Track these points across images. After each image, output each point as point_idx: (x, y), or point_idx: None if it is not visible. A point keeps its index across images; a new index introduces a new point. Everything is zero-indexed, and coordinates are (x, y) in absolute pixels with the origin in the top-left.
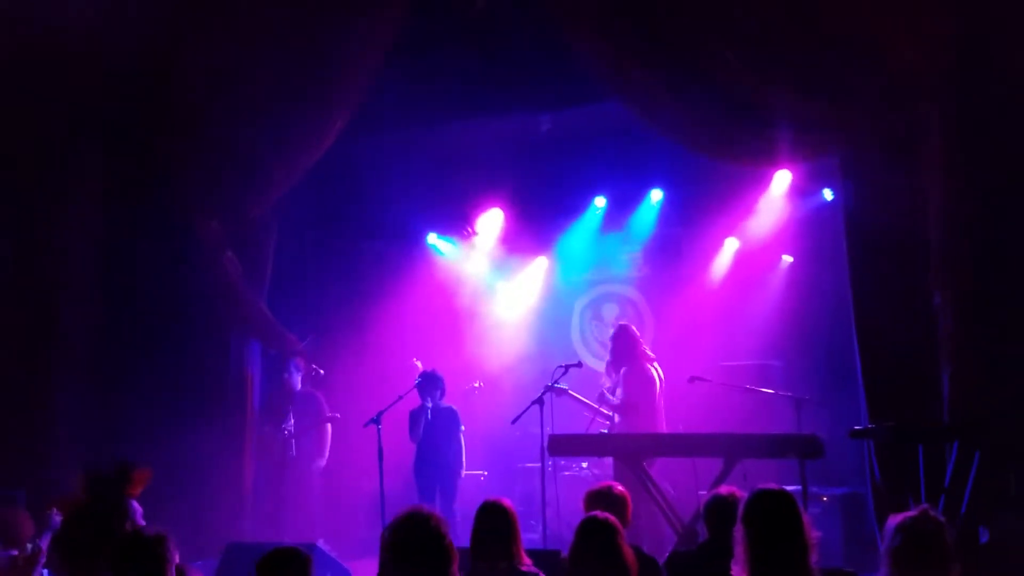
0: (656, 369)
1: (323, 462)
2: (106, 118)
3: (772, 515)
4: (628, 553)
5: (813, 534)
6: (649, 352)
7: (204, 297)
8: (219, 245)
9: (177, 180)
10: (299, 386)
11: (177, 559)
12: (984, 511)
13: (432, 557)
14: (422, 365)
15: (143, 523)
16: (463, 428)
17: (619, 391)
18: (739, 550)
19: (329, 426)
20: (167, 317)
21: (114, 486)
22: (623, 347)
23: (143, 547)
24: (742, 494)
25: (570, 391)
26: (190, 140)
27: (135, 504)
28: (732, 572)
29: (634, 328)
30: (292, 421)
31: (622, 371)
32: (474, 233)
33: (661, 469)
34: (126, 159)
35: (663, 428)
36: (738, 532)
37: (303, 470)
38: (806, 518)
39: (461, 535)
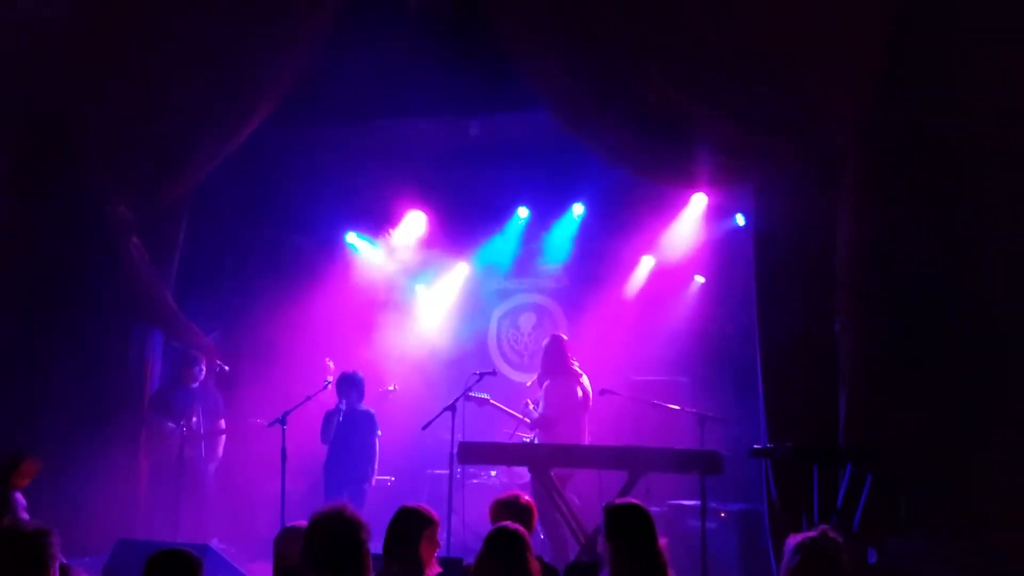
0: (583, 384)
1: (214, 465)
2: (17, 97)
3: (629, 529)
4: (534, 565)
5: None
6: (577, 367)
7: (106, 283)
8: (125, 230)
9: (86, 160)
10: (198, 381)
11: (59, 555)
12: (873, 533)
13: (350, 560)
14: (334, 365)
15: (26, 516)
16: (379, 434)
17: (540, 404)
18: (609, 563)
19: (224, 426)
20: (66, 301)
21: None
22: (550, 359)
23: (22, 542)
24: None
25: (492, 400)
26: (103, 120)
27: (19, 496)
28: None
29: (565, 339)
30: (196, 419)
31: (544, 385)
32: (390, 231)
33: (567, 480)
34: (36, 137)
35: (584, 443)
36: (603, 546)
37: (201, 470)
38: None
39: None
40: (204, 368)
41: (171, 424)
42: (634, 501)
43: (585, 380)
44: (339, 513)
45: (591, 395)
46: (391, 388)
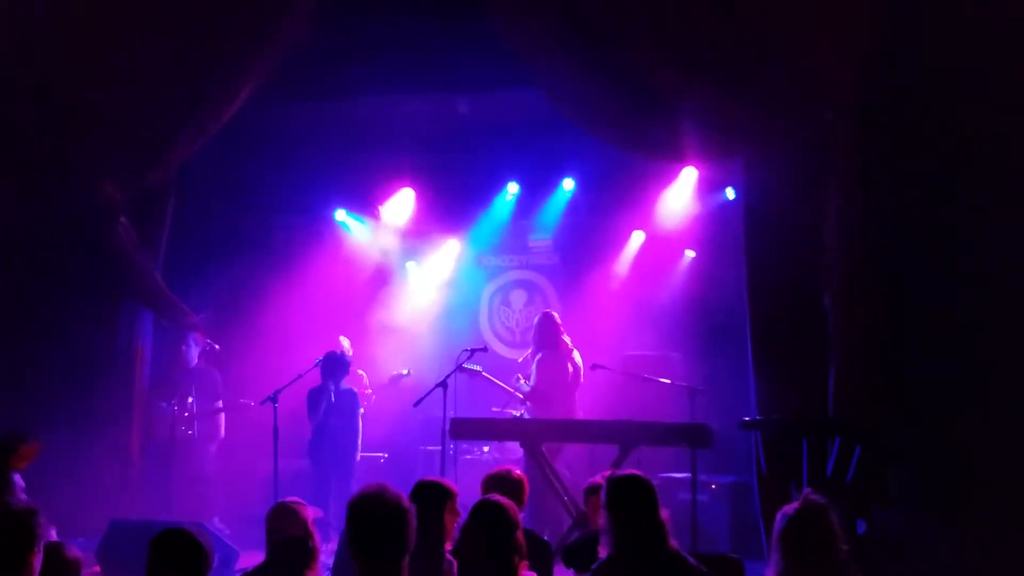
0: (574, 360)
1: (215, 445)
2: (4, 73)
3: (632, 499)
4: (519, 537)
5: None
6: (568, 342)
7: (94, 263)
8: (113, 209)
9: (72, 138)
10: (195, 362)
11: (54, 535)
12: (862, 503)
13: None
14: (349, 343)
15: (25, 497)
16: (362, 411)
17: (533, 378)
18: (604, 535)
19: (221, 405)
20: (53, 282)
21: None
22: (543, 335)
23: (10, 520)
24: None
25: (484, 372)
26: (86, 100)
27: (17, 478)
28: (599, 554)
29: (556, 316)
30: (191, 400)
31: (536, 358)
32: (379, 209)
33: (556, 453)
34: (19, 117)
35: (577, 417)
36: (602, 517)
37: (197, 450)
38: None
39: None
40: (196, 347)
41: (164, 404)
42: (636, 472)
43: (576, 356)
44: (381, 493)
45: (582, 371)
46: (405, 372)
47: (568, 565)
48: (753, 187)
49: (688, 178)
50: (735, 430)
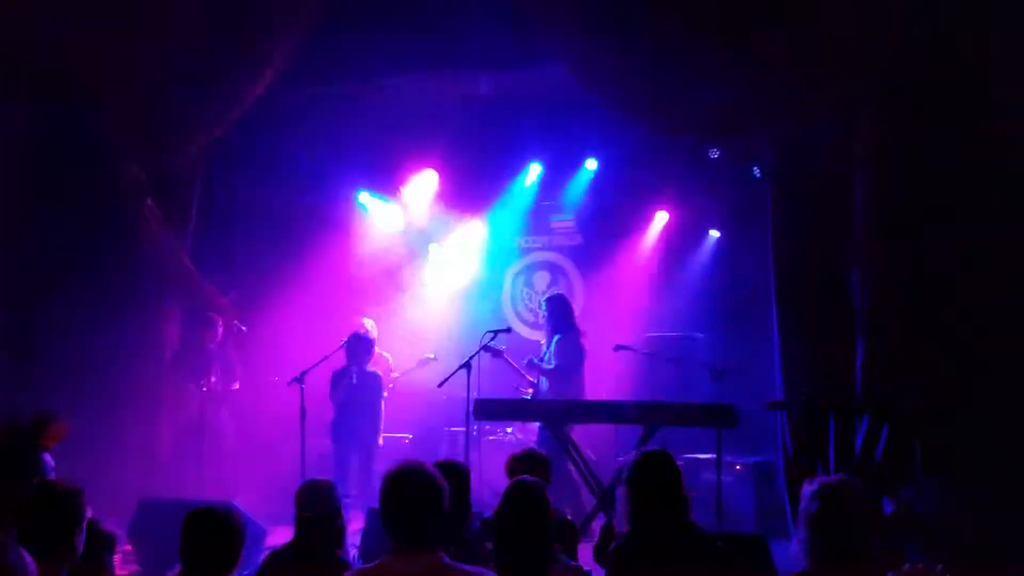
0: (583, 342)
1: (233, 424)
2: (29, 60)
3: (654, 475)
4: (552, 517)
5: (689, 494)
6: (579, 325)
7: (121, 245)
8: (140, 191)
9: (97, 119)
10: (215, 342)
11: (89, 513)
12: (890, 483)
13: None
14: (373, 324)
15: (54, 477)
16: (385, 395)
17: (551, 357)
18: (620, 508)
19: (238, 387)
20: (81, 264)
21: (28, 437)
22: (559, 315)
23: (56, 500)
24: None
25: (505, 355)
26: (113, 80)
27: (47, 457)
28: (615, 528)
29: (568, 298)
30: (214, 379)
31: (556, 338)
32: (402, 190)
33: (583, 435)
34: (47, 98)
35: (586, 397)
36: (620, 492)
37: (219, 429)
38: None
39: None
40: (222, 328)
41: (191, 384)
42: (659, 449)
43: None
44: (417, 470)
45: (587, 353)
46: (431, 357)
47: (600, 563)
48: (779, 164)
49: (712, 158)
50: (760, 410)
